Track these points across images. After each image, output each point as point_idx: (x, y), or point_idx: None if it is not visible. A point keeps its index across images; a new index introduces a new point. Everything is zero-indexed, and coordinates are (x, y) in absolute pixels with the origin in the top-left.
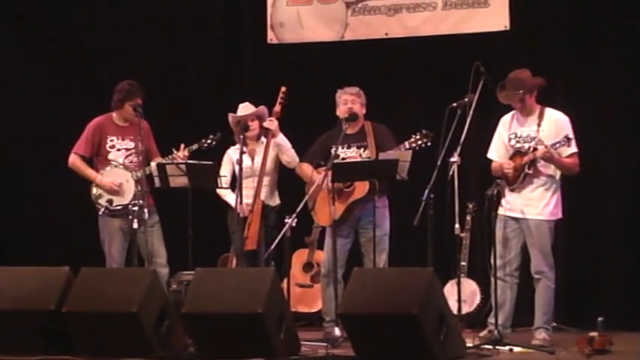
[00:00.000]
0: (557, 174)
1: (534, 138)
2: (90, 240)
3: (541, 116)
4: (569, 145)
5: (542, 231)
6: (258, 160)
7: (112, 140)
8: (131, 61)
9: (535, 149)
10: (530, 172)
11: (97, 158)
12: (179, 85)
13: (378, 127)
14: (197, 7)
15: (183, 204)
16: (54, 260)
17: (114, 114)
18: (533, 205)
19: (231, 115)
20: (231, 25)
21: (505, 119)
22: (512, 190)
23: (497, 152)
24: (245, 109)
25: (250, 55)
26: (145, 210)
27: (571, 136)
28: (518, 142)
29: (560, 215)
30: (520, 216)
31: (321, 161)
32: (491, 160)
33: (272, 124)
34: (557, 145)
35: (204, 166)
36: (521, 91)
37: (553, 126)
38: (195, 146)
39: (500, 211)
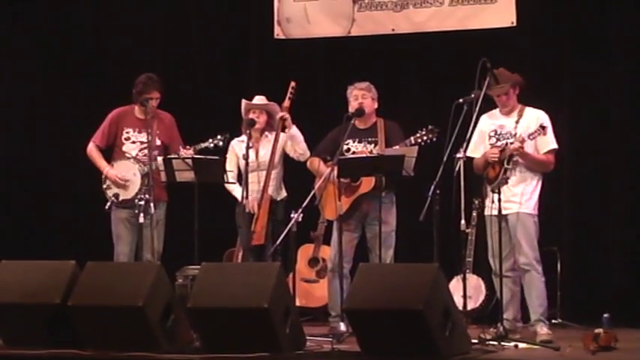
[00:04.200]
0: None
1: (514, 135)
2: (96, 234)
3: (520, 114)
4: (544, 134)
5: (527, 224)
6: (263, 153)
7: (127, 132)
8: (138, 55)
9: (511, 144)
10: (509, 166)
11: (113, 149)
12: (186, 79)
13: (389, 124)
14: (204, 2)
15: (189, 198)
16: (60, 254)
17: (135, 106)
18: (517, 199)
19: (244, 102)
20: (238, 21)
21: (485, 117)
22: (492, 191)
23: (479, 150)
24: (260, 101)
25: (257, 51)
26: (152, 204)
27: (546, 124)
28: (498, 139)
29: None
30: (505, 212)
31: (327, 156)
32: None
33: (286, 116)
34: (534, 134)
35: (211, 162)
36: (508, 84)
37: (533, 122)
38: (202, 145)
39: (487, 211)
